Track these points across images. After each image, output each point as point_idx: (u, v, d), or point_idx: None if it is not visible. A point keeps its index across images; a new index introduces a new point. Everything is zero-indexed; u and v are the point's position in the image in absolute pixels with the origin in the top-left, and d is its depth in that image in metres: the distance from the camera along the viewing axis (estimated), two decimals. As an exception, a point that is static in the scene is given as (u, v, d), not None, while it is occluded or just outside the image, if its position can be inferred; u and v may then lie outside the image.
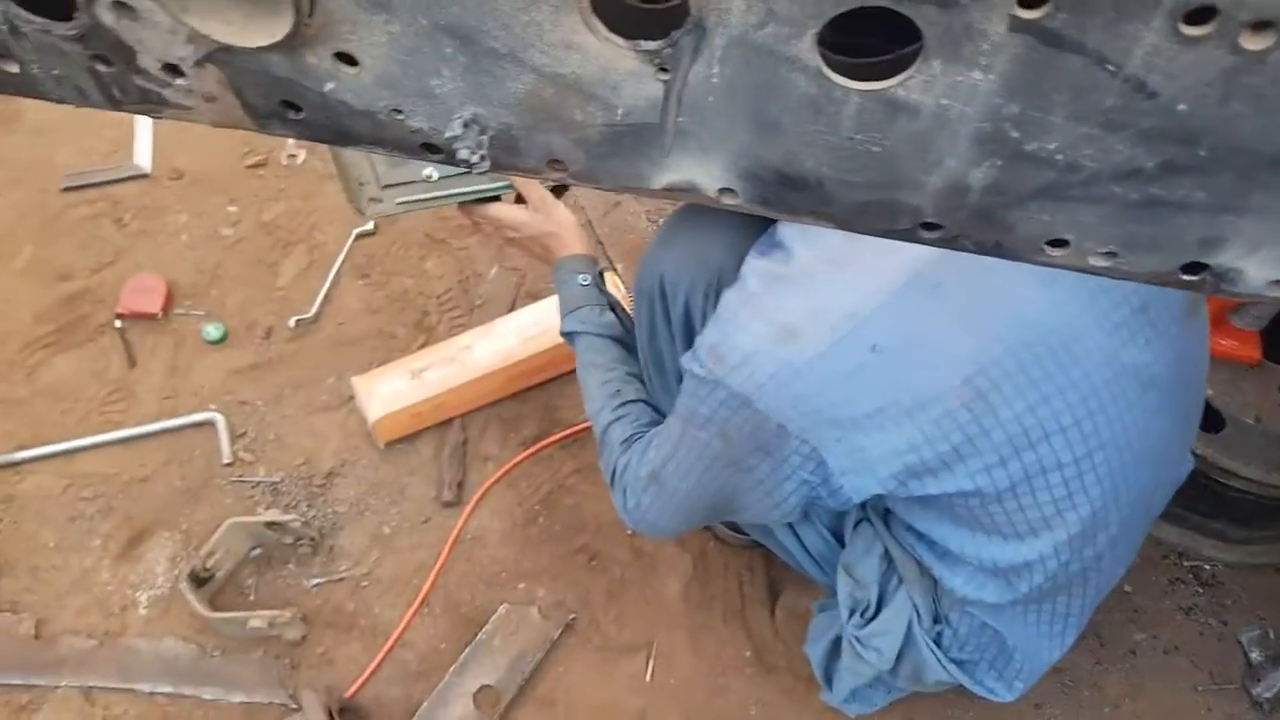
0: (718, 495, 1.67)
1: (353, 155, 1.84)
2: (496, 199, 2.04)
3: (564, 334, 2.02)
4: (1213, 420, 2.20)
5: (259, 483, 2.55)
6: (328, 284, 2.94)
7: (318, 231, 3.08)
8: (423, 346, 2.79)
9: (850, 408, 1.44)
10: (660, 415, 1.91)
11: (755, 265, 1.53)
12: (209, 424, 2.65)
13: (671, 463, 1.67)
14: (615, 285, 2.63)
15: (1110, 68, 0.49)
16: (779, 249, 1.51)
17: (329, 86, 0.62)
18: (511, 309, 2.90)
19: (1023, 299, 1.43)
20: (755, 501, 1.63)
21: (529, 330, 2.70)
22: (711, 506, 1.72)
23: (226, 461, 2.58)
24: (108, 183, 3.17)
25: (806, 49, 0.52)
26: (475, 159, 0.63)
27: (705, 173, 0.62)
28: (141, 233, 3.06)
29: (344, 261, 3.00)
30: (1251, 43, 0.46)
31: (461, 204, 2.01)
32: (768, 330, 1.44)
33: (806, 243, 1.49)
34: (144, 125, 3.33)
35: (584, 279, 2.01)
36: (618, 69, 0.56)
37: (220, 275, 2.97)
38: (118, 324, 2.83)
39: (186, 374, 2.75)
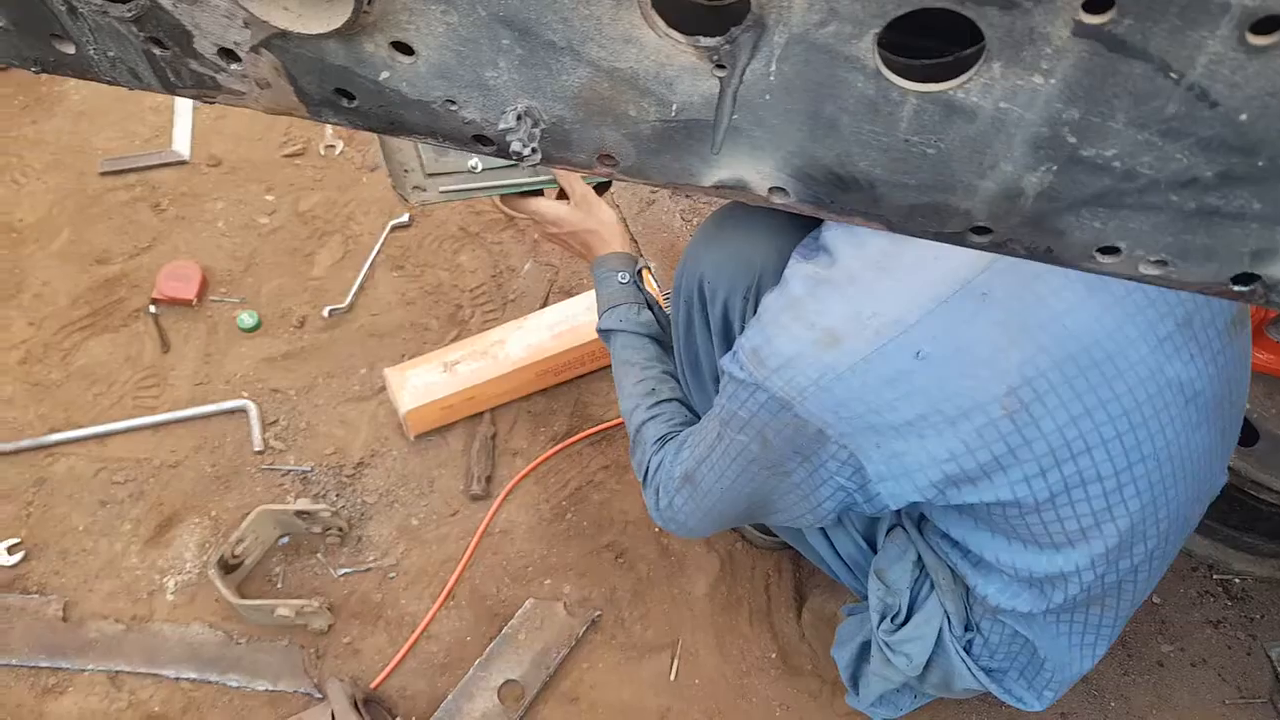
0: (752, 498, 1.67)
1: (399, 141, 1.85)
2: (539, 193, 2.04)
3: (601, 331, 2.02)
4: (1247, 434, 2.19)
5: (289, 471, 2.57)
6: (362, 275, 2.95)
7: (353, 222, 3.10)
8: (455, 339, 2.81)
9: (891, 414, 1.43)
10: (695, 415, 1.91)
11: (798, 268, 1.52)
12: (241, 411, 2.67)
13: (706, 464, 1.67)
14: (649, 284, 2.63)
15: (1173, 75, 0.48)
16: (823, 252, 1.51)
17: (384, 75, 0.62)
18: (544, 304, 2.91)
19: (1070, 310, 1.42)
20: (790, 505, 1.63)
21: (561, 326, 2.70)
22: (746, 509, 1.72)
23: (257, 449, 2.60)
24: (146, 168, 3.20)
25: (866, 49, 0.52)
26: (527, 151, 0.63)
27: (756, 171, 0.62)
28: (179, 219, 3.08)
29: (379, 253, 3.01)
30: (1317, 53, 0.46)
31: (504, 196, 2.02)
32: (810, 334, 1.43)
33: (851, 246, 1.48)
34: (184, 112, 3.35)
35: (623, 277, 2.01)
36: (674, 65, 0.56)
37: (256, 263, 2.99)
38: (152, 309, 2.84)
39: (220, 361, 2.77)
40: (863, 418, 1.43)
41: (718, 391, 1.62)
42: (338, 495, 2.53)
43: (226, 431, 2.64)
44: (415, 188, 1.91)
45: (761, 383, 1.47)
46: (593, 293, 2.10)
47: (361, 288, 2.94)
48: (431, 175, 1.91)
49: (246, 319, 2.82)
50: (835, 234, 1.50)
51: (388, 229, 3.06)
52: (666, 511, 1.80)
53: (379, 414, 2.69)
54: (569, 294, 2.91)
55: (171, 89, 0.68)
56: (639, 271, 2.04)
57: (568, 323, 2.71)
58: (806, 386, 1.43)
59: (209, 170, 3.22)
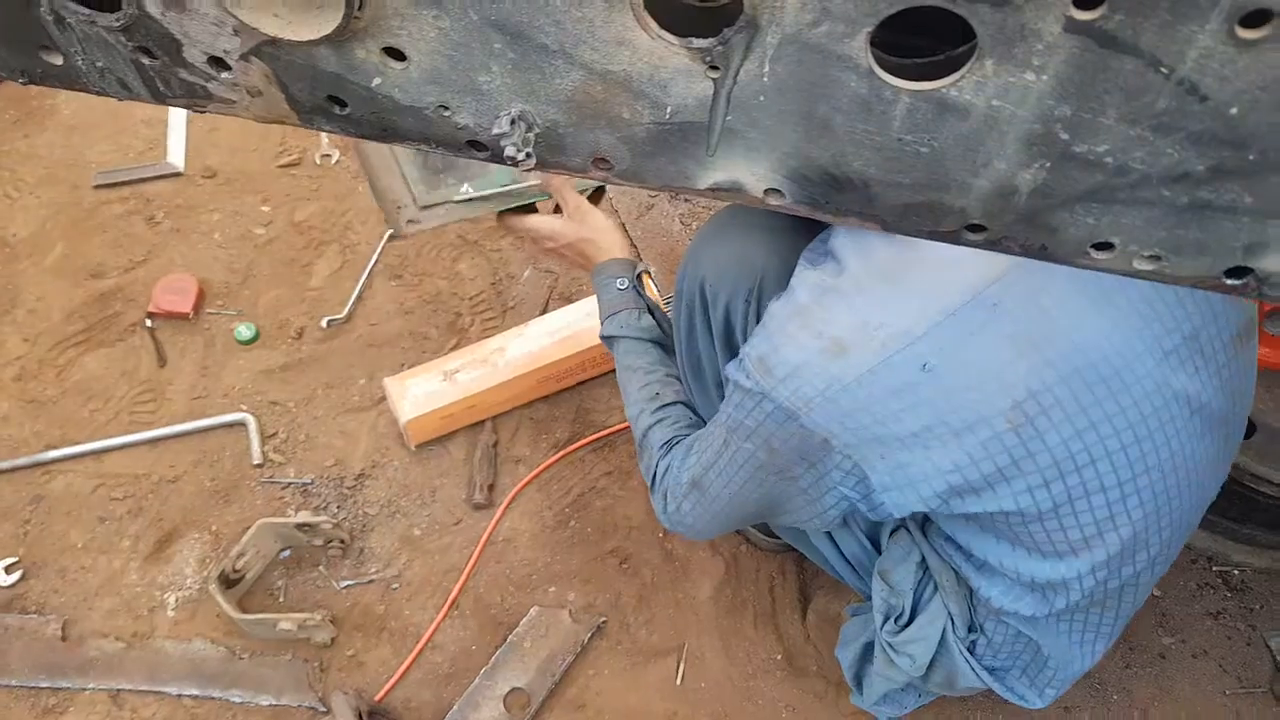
0: (760, 502, 1.68)
1: (388, 180, 1.86)
2: (532, 209, 2.05)
3: (604, 338, 2.03)
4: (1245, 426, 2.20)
5: (289, 484, 2.57)
6: (360, 284, 2.95)
7: (351, 232, 3.10)
8: (455, 348, 2.80)
9: (896, 425, 1.44)
10: (700, 417, 1.92)
11: (805, 276, 1.52)
12: (239, 424, 2.67)
13: (714, 470, 1.67)
14: (649, 288, 2.64)
15: (1164, 70, 0.49)
16: (830, 259, 1.51)
17: (376, 81, 0.62)
18: (544, 311, 2.91)
19: (1077, 325, 1.42)
20: (796, 509, 1.64)
21: (561, 332, 2.71)
22: (753, 512, 1.73)
23: (257, 462, 2.60)
24: (140, 181, 3.20)
25: (859, 48, 0.52)
26: (521, 156, 0.63)
27: (752, 172, 0.62)
28: (174, 231, 3.08)
29: (377, 262, 3.02)
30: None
31: (499, 215, 2.03)
32: (817, 343, 1.44)
33: (859, 254, 1.48)
34: (177, 123, 3.35)
35: (622, 283, 2.01)
36: (668, 67, 0.57)
37: (252, 275, 2.99)
38: (149, 323, 2.85)
39: (217, 374, 2.77)
40: (868, 429, 1.44)
41: (720, 395, 1.62)
42: (339, 507, 2.53)
43: (225, 445, 2.65)
44: (410, 221, 1.92)
45: (768, 392, 1.48)
46: (593, 298, 2.10)
47: (360, 297, 2.94)
48: (425, 208, 1.91)
49: (244, 331, 2.83)
50: (842, 240, 1.51)
51: (385, 238, 3.06)
52: (675, 515, 1.81)
53: (379, 424, 2.69)
54: (569, 300, 2.91)
55: (161, 99, 0.68)
56: (639, 276, 2.04)
57: (568, 329, 2.71)
58: (813, 397, 1.44)
59: (204, 182, 3.22)
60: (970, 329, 1.40)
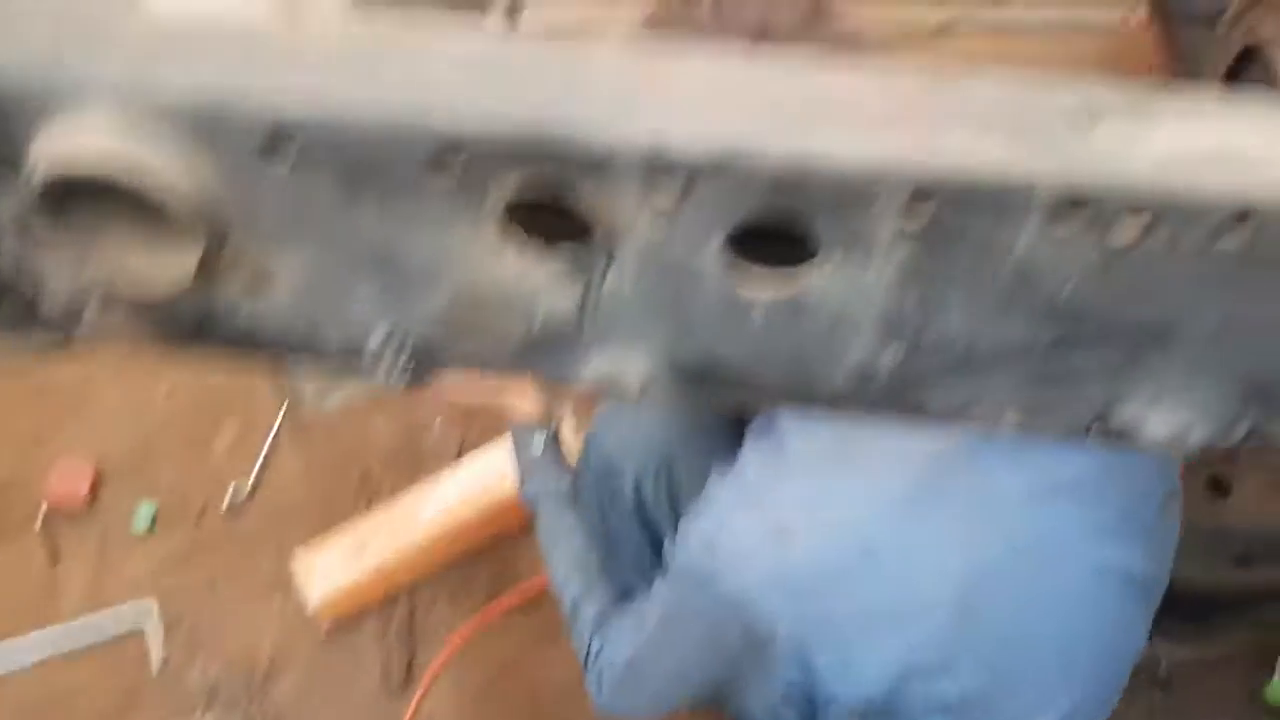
0: (701, 686, 1.69)
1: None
2: None
3: (524, 499, 2.04)
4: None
5: (195, 685, 2.52)
6: (264, 452, 2.93)
7: (255, 395, 3.03)
8: (367, 507, 2.77)
9: (842, 611, 1.47)
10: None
11: (752, 455, 1.56)
12: (140, 624, 2.62)
13: (651, 651, 1.68)
14: (573, 421, 2.64)
15: (996, 259, 0.54)
16: (775, 436, 1.54)
17: (243, 313, 0.65)
18: (458, 458, 2.88)
19: (1017, 511, 1.47)
20: (739, 692, 1.65)
21: (476, 485, 2.69)
22: (694, 694, 1.74)
23: (158, 665, 2.55)
24: (30, 360, 3.16)
25: (711, 258, 0.57)
26: (395, 373, 0.67)
27: (627, 369, 0.66)
28: (67, 412, 3.04)
29: (281, 425, 2.98)
30: (1121, 232, 0.52)
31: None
32: (763, 527, 1.46)
33: (804, 434, 1.51)
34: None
35: (538, 440, 2.02)
36: (533, 280, 0.61)
37: (151, 452, 2.95)
38: (41, 518, 2.81)
39: (118, 566, 2.72)
40: (813, 614, 1.47)
41: (638, 570, 1.64)
42: (250, 702, 2.48)
43: (126, 647, 2.59)
44: (315, 395, 1.93)
45: (712, 576, 1.49)
46: (509, 443, 2.11)
47: (265, 465, 2.92)
48: (329, 385, 1.93)
49: (143, 516, 2.80)
50: (789, 420, 1.54)
51: (286, 403, 3.05)
52: (610, 697, 1.79)
53: (287, 608, 2.64)
54: (483, 446, 2.88)
55: (18, 342, 0.70)
56: (555, 432, 2.05)
57: (483, 480, 2.70)
58: (758, 582, 1.46)
59: (98, 354, 3.17)
60: (914, 514, 1.45)
